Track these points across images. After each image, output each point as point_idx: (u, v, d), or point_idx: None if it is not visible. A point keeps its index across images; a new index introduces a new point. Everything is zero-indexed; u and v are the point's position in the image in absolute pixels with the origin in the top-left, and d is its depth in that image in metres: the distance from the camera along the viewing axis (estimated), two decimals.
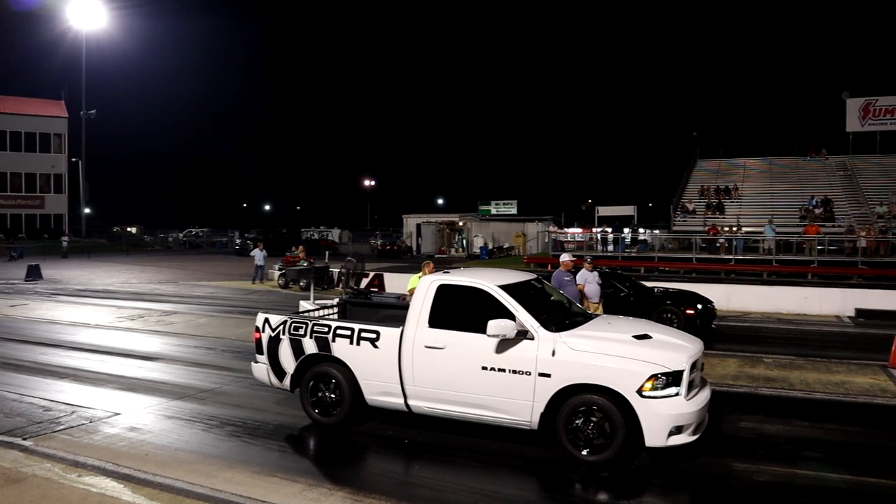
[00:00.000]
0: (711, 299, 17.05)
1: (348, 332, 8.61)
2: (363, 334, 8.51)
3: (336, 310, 10.31)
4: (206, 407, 9.81)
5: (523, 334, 7.74)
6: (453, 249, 50.28)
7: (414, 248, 52.26)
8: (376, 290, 20.55)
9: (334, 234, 69.55)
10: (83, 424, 8.88)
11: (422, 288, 8.52)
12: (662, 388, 7.28)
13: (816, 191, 40.76)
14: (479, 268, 11.24)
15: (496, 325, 7.63)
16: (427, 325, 8.23)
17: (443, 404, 8.15)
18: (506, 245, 49.67)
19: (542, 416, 7.65)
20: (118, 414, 9.37)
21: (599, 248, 36.79)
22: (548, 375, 7.56)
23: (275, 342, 9.09)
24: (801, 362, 12.88)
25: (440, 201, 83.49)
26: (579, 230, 44.71)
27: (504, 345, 7.76)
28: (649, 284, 18.39)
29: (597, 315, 9.40)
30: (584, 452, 7.46)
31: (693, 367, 7.58)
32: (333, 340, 8.67)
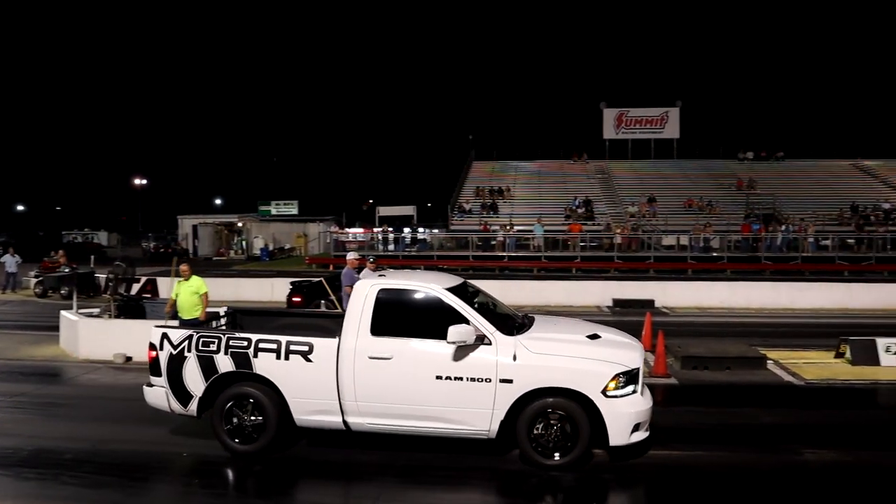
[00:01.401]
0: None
1: (274, 346, 7.66)
2: (293, 347, 7.63)
3: (224, 321, 9.45)
4: None
5: (480, 339, 7.35)
6: (232, 251, 48.48)
7: (190, 251, 49.73)
8: (149, 296, 19.28)
9: (101, 237, 64.41)
10: None
11: (360, 293, 7.77)
12: (623, 387, 7.28)
13: (579, 192, 44.18)
14: (405, 270, 10.59)
15: (457, 332, 7.17)
16: (369, 333, 7.55)
17: (389, 419, 7.54)
18: (287, 246, 48.76)
19: (502, 423, 7.35)
20: None
21: (380, 247, 37.21)
22: (509, 381, 7.24)
23: (177, 361, 7.89)
24: None
25: (218, 201, 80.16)
26: (360, 230, 44.89)
27: (461, 351, 7.31)
28: None
29: (533, 316, 8.89)
30: (550, 457, 7.31)
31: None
32: (255, 356, 7.67)
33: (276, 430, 7.70)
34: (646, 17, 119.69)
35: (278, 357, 7.63)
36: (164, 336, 8.00)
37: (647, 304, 20.51)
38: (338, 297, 14.29)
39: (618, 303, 21.27)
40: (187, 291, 11.52)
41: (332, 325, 8.79)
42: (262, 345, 7.69)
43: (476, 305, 7.91)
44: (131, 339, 12.82)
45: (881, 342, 12.62)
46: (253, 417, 7.73)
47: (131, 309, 14.44)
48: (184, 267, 11.70)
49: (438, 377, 7.32)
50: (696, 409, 9.85)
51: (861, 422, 9.57)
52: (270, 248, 46.01)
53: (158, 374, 8.00)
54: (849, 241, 34.80)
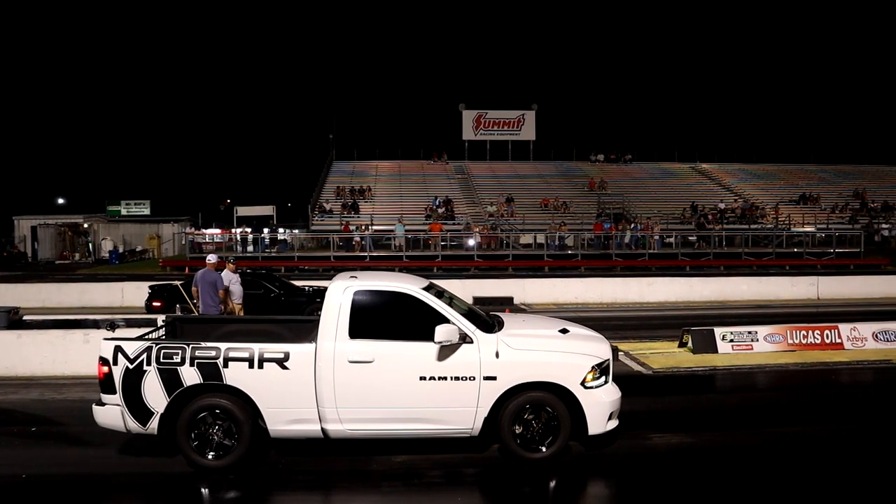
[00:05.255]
0: None
1: (246, 355, 7.24)
2: (267, 355, 7.25)
3: (163, 330, 8.66)
4: None
5: (462, 338, 7.34)
6: (77, 254, 45.50)
7: (29, 255, 46.27)
8: None
9: None
10: None
11: (334, 295, 7.46)
12: (599, 378, 7.50)
13: (439, 192, 44.74)
14: (366, 271, 9.99)
15: (444, 331, 7.14)
16: (348, 336, 7.27)
17: (371, 424, 7.36)
18: (139, 248, 46.37)
19: (485, 420, 7.38)
20: None
21: (239, 248, 36.07)
22: (493, 378, 7.30)
23: (135, 375, 7.24)
24: None
25: (61, 201, 74.97)
26: (218, 231, 43.34)
27: (445, 351, 7.26)
28: (299, 283, 18.57)
29: (496, 314, 8.81)
30: (534, 450, 7.40)
31: None
32: (226, 366, 7.22)
33: (250, 443, 7.35)
34: (504, 21, 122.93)
35: (251, 366, 7.27)
36: (118, 349, 7.34)
37: (507, 301, 20.98)
38: (194, 304, 13.59)
39: (478, 300, 21.55)
40: None
41: (281, 331, 8.63)
42: (232, 354, 7.29)
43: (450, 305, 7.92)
44: None
45: (718, 331, 13.54)
46: (223, 431, 7.33)
47: None
48: None
49: (422, 378, 7.29)
50: None
51: (701, 406, 10.25)
52: (120, 250, 43.57)
53: (112, 392, 7.32)
54: (690, 238, 37.20)
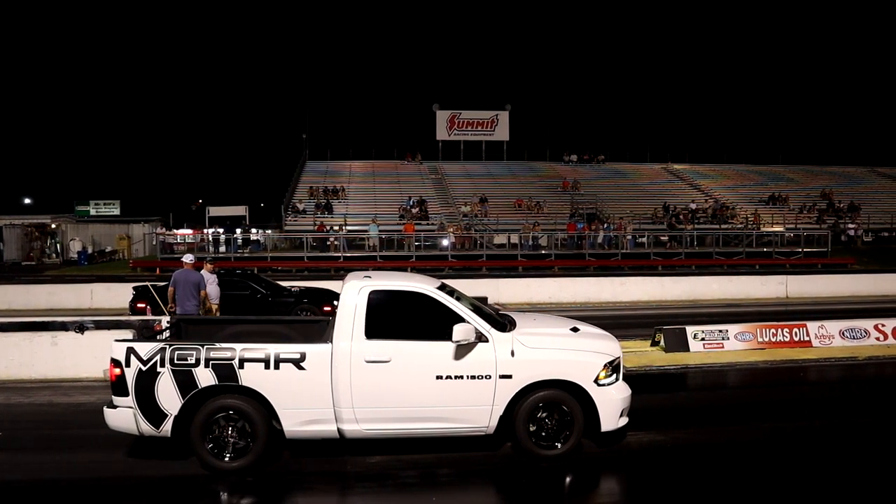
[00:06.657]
0: None
1: (262, 356, 7.21)
2: (283, 356, 7.22)
3: (168, 332, 8.53)
4: None
5: (479, 337, 7.40)
6: (45, 255, 44.77)
7: None
8: None
9: None
10: None
11: (349, 295, 7.45)
12: (610, 376, 7.61)
13: (413, 192, 44.64)
14: (378, 271, 9.84)
15: (462, 330, 7.20)
16: (364, 337, 7.25)
17: (388, 423, 7.37)
18: (108, 249, 45.77)
19: (500, 418, 7.44)
20: None
21: (211, 249, 35.72)
22: (509, 377, 7.37)
23: (148, 377, 7.14)
24: None
25: (28, 201, 73.73)
26: (190, 231, 42.90)
27: (461, 350, 7.32)
28: (285, 284, 18.46)
29: (506, 313, 8.93)
30: (549, 447, 7.48)
31: None
32: (241, 367, 7.16)
33: (266, 443, 7.32)
34: (478, 22, 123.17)
35: (267, 367, 7.23)
36: (131, 351, 7.23)
37: (481, 301, 20.93)
38: (168, 307, 13.38)
39: None
40: None
41: (288, 332, 8.70)
42: (247, 354, 7.24)
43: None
44: None
45: (690, 330, 13.69)
46: (238, 432, 7.28)
47: None
48: None
49: (439, 377, 7.34)
50: None
51: (674, 404, 10.37)
52: (90, 251, 42.95)
53: (124, 394, 7.22)
54: (662, 238, 37.56)
